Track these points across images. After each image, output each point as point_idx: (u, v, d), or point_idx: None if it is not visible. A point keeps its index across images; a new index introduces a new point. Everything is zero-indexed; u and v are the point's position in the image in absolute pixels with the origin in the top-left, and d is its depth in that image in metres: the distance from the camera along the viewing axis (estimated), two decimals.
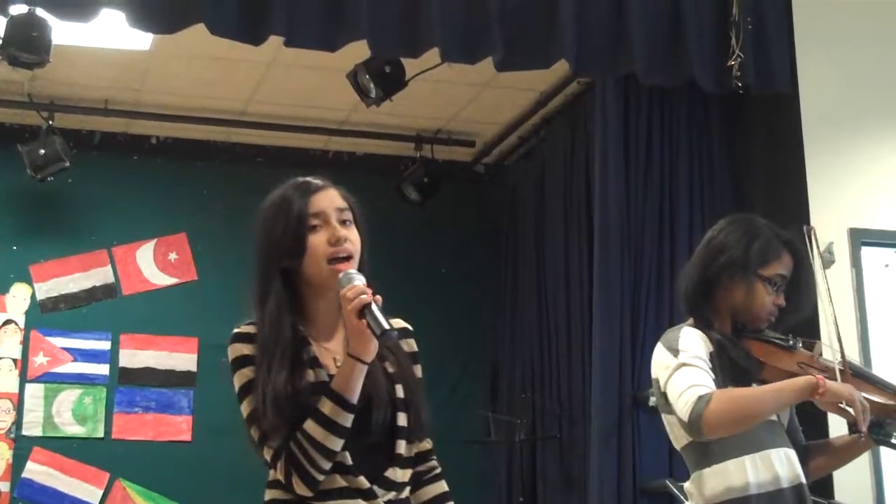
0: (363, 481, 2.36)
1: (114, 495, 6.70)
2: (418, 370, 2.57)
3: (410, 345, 2.60)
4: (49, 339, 6.81)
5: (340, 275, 2.39)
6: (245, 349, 2.44)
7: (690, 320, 3.12)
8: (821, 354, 3.06)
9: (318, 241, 2.44)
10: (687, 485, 3.08)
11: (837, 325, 3.02)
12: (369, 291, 2.34)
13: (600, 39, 4.86)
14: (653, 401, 4.98)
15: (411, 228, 7.35)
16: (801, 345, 3.08)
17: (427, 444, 2.56)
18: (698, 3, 4.99)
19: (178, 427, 6.88)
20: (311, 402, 2.34)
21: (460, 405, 7.24)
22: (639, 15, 4.87)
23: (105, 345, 6.87)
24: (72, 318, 6.88)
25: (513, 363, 7.16)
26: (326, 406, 2.32)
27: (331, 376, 2.39)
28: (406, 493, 2.47)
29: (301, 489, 2.33)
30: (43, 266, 6.89)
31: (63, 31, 5.16)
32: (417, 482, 2.52)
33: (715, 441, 2.94)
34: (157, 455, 6.79)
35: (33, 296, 6.85)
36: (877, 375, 3.12)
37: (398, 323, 2.52)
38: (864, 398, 2.92)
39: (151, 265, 7.08)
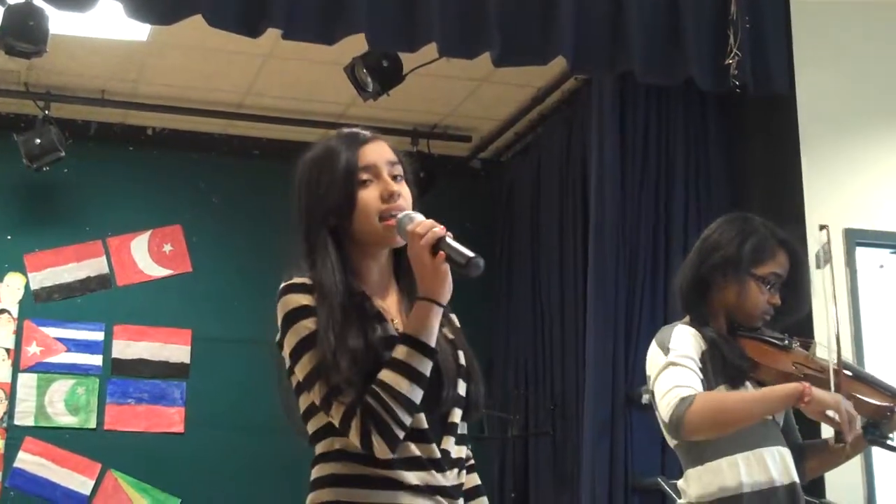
0: (436, 450, 2.18)
1: (105, 486, 6.69)
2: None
3: (453, 320, 2.41)
4: (42, 328, 6.80)
5: (399, 215, 2.22)
6: (303, 299, 2.18)
7: (687, 318, 3.12)
8: (816, 354, 3.06)
9: (369, 196, 2.25)
10: (680, 482, 3.08)
11: (838, 326, 3.02)
12: (437, 224, 2.17)
13: (598, 37, 4.86)
14: (646, 398, 5.00)
15: None
16: (797, 344, 3.08)
17: (465, 429, 2.34)
18: (696, 2, 4.99)
19: (171, 418, 6.88)
20: (384, 357, 2.13)
21: None
22: (637, 13, 4.87)
23: (98, 335, 6.86)
24: (65, 309, 6.87)
25: (506, 359, 7.16)
26: (403, 352, 2.12)
27: (398, 331, 2.20)
28: (464, 474, 2.30)
29: (381, 448, 2.09)
30: (37, 256, 6.88)
31: (60, 21, 5.16)
32: (462, 466, 2.32)
33: (708, 440, 2.95)
34: (150, 446, 6.78)
35: (27, 285, 6.84)
36: (872, 376, 3.12)
37: None
38: (856, 401, 2.92)
39: (146, 256, 7.07)
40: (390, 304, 2.30)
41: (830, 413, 2.81)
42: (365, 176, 2.27)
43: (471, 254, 2.13)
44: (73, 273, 6.92)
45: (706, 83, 4.97)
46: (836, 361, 2.97)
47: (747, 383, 3.02)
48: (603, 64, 4.96)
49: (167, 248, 7.10)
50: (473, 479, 2.39)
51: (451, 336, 2.31)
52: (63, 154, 6.48)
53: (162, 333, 6.94)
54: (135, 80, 6.57)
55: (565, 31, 4.75)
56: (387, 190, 2.27)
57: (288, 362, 2.21)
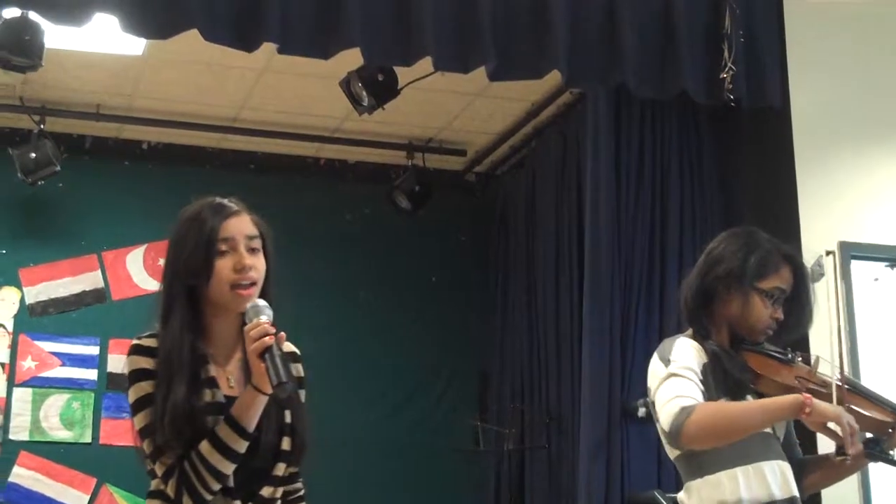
0: None
1: (100, 500, 6.68)
2: (303, 395, 2.64)
3: (298, 370, 2.65)
4: (37, 343, 6.80)
5: (248, 305, 2.46)
6: (144, 362, 2.47)
7: (689, 331, 3.12)
8: (818, 370, 3.06)
9: (223, 265, 2.49)
10: (680, 495, 3.08)
11: (841, 341, 3.03)
12: (272, 331, 2.40)
13: (592, 51, 4.87)
14: (642, 412, 5.00)
15: (402, 237, 7.36)
16: (799, 359, 3.08)
17: (295, 468, 2.63)
18: (691, 15, 5.01)
19: None
20: (207, 422, 2.41)
21: (449, 415, 7.24)
22: (631, 27, 4.88)
23: (94, 350, 6.85)
24: (60, 323, 6.86)
25: (502, 373, 7.16)
26: (224, 431, 2.39)
27: (227, 397, 2.47)
28: None
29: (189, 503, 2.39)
30: (32, 270, 6.88)
31: (56, 35, 5.16)
32: (284, 501, 2.60)
33: (708, 452, 2.95)
34: None
35: (22, 300, 6.83)
36: (874, 392, 3.12)
37: (287, 347, 2.56)
38: (858, 416, 2.92)
39: (141, 270, 7.07)
40: (233, 364, 2.56)
41: (832, 425, 2.80)
42: (223, 247, 2.51)
43: (283, 377, 2.34)
44: (69, 287, 6.92)
45: (700, 96, 4.98)
46: (838, 377, 2.96)
47: (748, 396, 3.01)
48: (597, 78, 4.97)
49: (162, 262, 7.06)
50: None
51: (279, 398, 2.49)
52: (58, 168, 6.48)
53: None
54: (130, 94, 6.57)
55: (560, 45, 4.76)
56: (240, 262, 2.50)
57: (130, 412, 2.50)
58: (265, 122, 6.94)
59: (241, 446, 2.40)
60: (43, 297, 6.87)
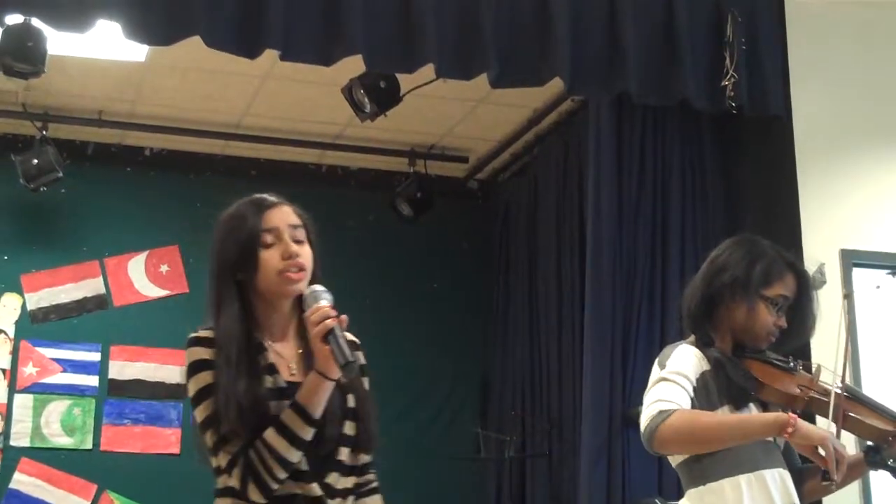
0: (315, 488, 2.43)
1: None
2: (366, 383, 2.64)
3: (359, 357, 2.63)
4: (39, 349, 6.79)
5: (306, 292, 2.48)
6: (204, 353, 2.47)
7: (692, 338, 3.12)
8: (820, 378, 3.06)
9: (270, 256, 2.51)
10: (681, 502, 3.08)
11: (848, 352, 3.03)
12: (333, 313, 2.41)
13: (595, 58, 4.88)
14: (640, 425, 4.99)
15: (404, 243, 7.36)
16: (801, 367, 3.08)
17: (367, 457, 2.63)
18: (692, 23, 5.01)
19: (167, 440, 6.86)
20: (270, 408, 2.41)
21: (450, 422, 7.24)
22: (633, 34, 4.89)
23: (95, 356, 6.85)
24: (62, 329, 6.86)
25: (503, 380, 7.15)
26: (290, 418, 2.38)
27: (288, 382, 2.47)
28: (350, 501, 2.55)
29: (255, 496, 2.38)
30: (34, 276, 6.88)
31: (58, 42, 5.17)
32: (357, 493, 2.59)
33: (710, 459, 2.95)
34: (146, 467, 6.76)
35: (24, 306, 6.83)
36: (876, 401, 3.12)
37: (347, 337, 2.54)
38: (858, 424, 2.92)
39: (143, 277, 7.07)
40: (289, 348, 2.56)
41: (819, 450, 2.79)
42: (268, 238, 2.53)
43: (350, 357, 2.35)
44: (70, 293, 6.92)
45: (702, 104, 4.98)
46: (839, 385, 2.96)
47: (751, 404, 3.02)
48: (599, 85, 4.97)
49: (164, 268, 7.10)
50: (373, 502, 2.66)
51: (343, 380, 2.50)
52: (60, 174, 6.49)
53: (158, 354, 6.92)
54: (132, 100, 6.58)
55: (562, 53, 4.76)
56: (286, 251, 2.51)
57: (191, 405, 2.49)
58: (267, 128, 6.95)
59: (308, 433, 2.39)
60: (44, 304, 6.87)
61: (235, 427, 2.36)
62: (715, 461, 2.95)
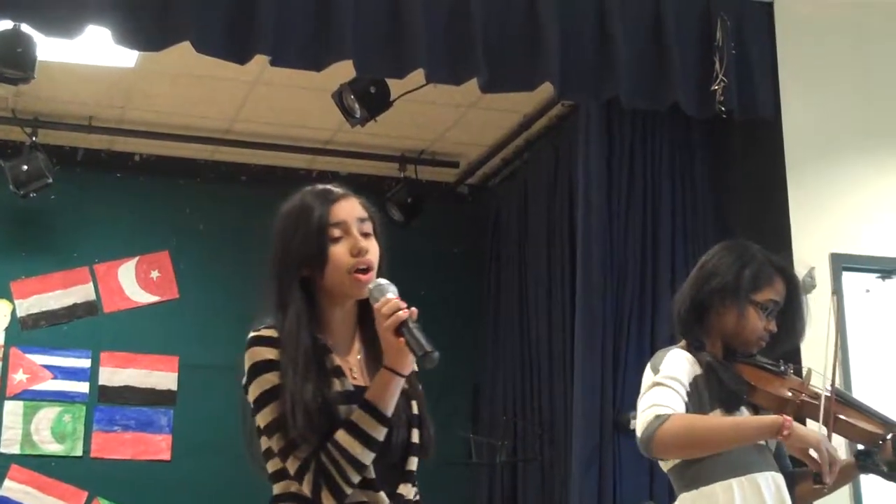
0: (384, 497, 2.31)
1: None
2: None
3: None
4: (29, 356, 6.78)
5: (371, 285, 2.35)
6: (268, 353, 2.32)
7: (683, 342, 3.13)
8: (811, 382, 3.06)
9: (339, 251, 2.38)
10: None
11: (838, 354, 3.03)
12: (404, 305, 2.29)
13: (584, 63, 4.88)
14: (634, 423, 4.99)
15: (394, 248, 7.33)
16: (791, 371, 3.09)
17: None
18: (682, 28, 5.03)
19: (158, 446, 6.85)
20: (340, 412, 2.28)
21: (441, 427, 7.14)
22: (623, 39, 4.90)
23: (85, 362, 6.83)
24: (52, 336, 6.84)
25: (494, 385, 7.15)
26: (361, 418, 2.26)
27: (356, 387, 2.34)
28: None
29: (329, 500, 2.23)
30: (24, 282, 6.86)
31: (48, 48, 5.16)
32: None
33: (702, 464, 2.95)
34: (136, 474, 6.74)
35: (13, 312, 6.81)
36: (866, 405, 3.13)
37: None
38: (849, 427, 2.92)
39: (133, 283, 7.05)
40: (351, 353, 2.43)
41: (812, 452, 2.80)
42: (336, 232, 2.39)
43: (428, 347, 2.23)
44: (60, 300, 6.90)
45: (692, 108, 4.99)
46: (829, 389, 2.97)
47: (742, 408, 3.02)
48: (589, 90, 4.98)
49: (154, 274, 7.09)
50: None
51: (405, 386, 2.38)
52: (50, 180, 6.47)
53: (149, 360, 6.91)
54: (122, 106, 6.57)
55: (552, 58, 4.77)
56: (356, 246, 2.39)
57: (252, 408, 2.35)
58: (257, 134, 6.94)
59: (380, 433, 2.26)
60: (34, 310, 6.85)
61: (304, 432, 2.22)
62: (707, 465, 2.95)
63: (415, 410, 2.43)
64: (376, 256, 2.43)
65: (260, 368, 2.31)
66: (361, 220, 2.44)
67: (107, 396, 6.83)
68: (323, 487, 2.22)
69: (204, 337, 6.98)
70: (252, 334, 2.36)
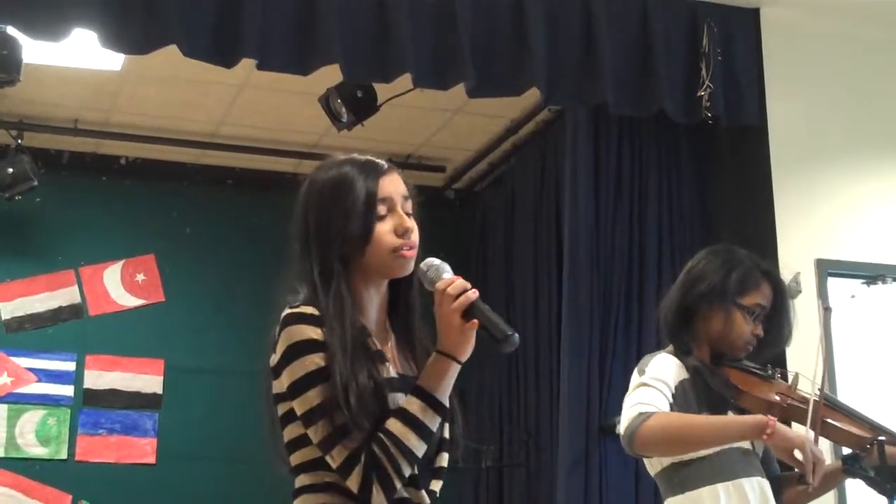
0: (424, 497, 2.19)
1: None
2: None
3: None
4: (13, 359, 6.75)
5: (423, 265, 2.21)
6: (312, 332, 2.11)
7: (670, 347, 3.14)
8: (798, 386, 3.07)
9: (384, 230, 2.22)
10: None
11: (826, 361, 3.04)
12: (469, 285, 2.13)
13: (571, 69, 4.89)
14: (619, 428, 4.99)
15: None
16: (778, 375, 3.10)
17: None
18: (669, 34, 5.04)
19: (143, 449, 6.82)
20: (389, 399, 2.11)
21: None
22: (610, 45, 4.91)
23: (70, 366, 6.81)
24: (37, 339, 6.82)
25: (480, 390, 7.14)
26: (417, 406, 2.09)
27: (399, 374, 2.19)
28: None
29: (379, 498, 2.05)
30: (9, 285, 6.83)
31: (34, 50, 5.15)
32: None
33: (689, 468, 2.96)
34: (121, 477, 6.72)
35: None
36: (852, 408, 3.14)
37: None
38: (836, 431, 2.93)
39: (118, 286, 7.03)
40: (389, 339, 2.28)
41: (796, 453, 2.81)
42: (382, 209, 2.23)
43: (508, 330, 2.09)
44: (45, 303, 6.88)
45: (679, 115, 5.01)
46: (817, 393, 2.98)
47: (729, 412, 3.03)
48: (576, 96, 4.99)
49: (140, 277, 7.07)
50: None
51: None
52: (35, 183, 6.45)
53: (134, 363, 6.89)
54: (108, 109, 6.55)
55: (539, 63, 4.77)
56: (402, 225, 2.24)
57: (284, 392, 2.14)
58: (244, 137, 6.93)
59: (435, 423, 2.09)
60: (19, 313, 6.83)
61: (357, 417, 2.02)
62: (693, 470, 2.96)
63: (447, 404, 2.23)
64: (417, 238, 2.27)
65: (302, 348, 2.10)
66: (405, 198, 2.29)
67: (92, 400, 6.80)
68: (374, 481, 2.04)
69: (190, 340, 6.97)
70: (289, 310, 2.15)
